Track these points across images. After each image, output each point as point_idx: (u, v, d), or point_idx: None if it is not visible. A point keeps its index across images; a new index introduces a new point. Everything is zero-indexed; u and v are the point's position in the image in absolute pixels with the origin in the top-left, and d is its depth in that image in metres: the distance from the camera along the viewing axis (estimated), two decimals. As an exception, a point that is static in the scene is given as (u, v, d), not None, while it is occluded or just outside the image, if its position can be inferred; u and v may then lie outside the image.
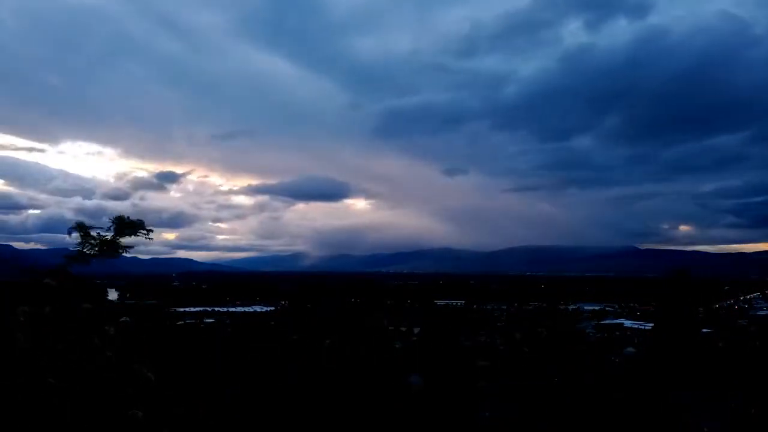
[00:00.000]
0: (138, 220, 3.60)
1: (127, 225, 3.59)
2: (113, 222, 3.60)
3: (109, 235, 3.62)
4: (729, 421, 25.07)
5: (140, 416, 3.51)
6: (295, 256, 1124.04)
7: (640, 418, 25.29)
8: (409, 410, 25.84)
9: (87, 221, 3.51)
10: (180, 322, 68.59)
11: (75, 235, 3.59)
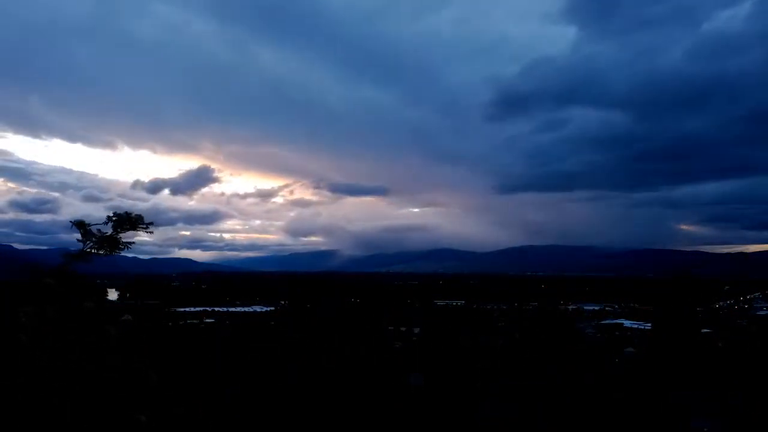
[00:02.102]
0: (137, 215, 3.59)
1: (126, 221, 3.57)
2: (111, 218, 3.59)
3: (108, 232, 3.60)
4: (729, 421, 25.04)
5: (143, 420, 3.49)
6: (296, 257, 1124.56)
7: (640, 418, 25.27)
8: (409, 410, 25.82)
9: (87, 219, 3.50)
10: (181, 322, 68.60)
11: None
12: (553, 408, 26.54)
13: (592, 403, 26.90)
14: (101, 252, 3.59)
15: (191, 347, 33.62)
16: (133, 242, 3.63)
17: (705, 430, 25.14)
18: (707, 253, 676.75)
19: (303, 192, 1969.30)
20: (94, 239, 3.53)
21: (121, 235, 3.55)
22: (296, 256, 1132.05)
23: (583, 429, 24.63)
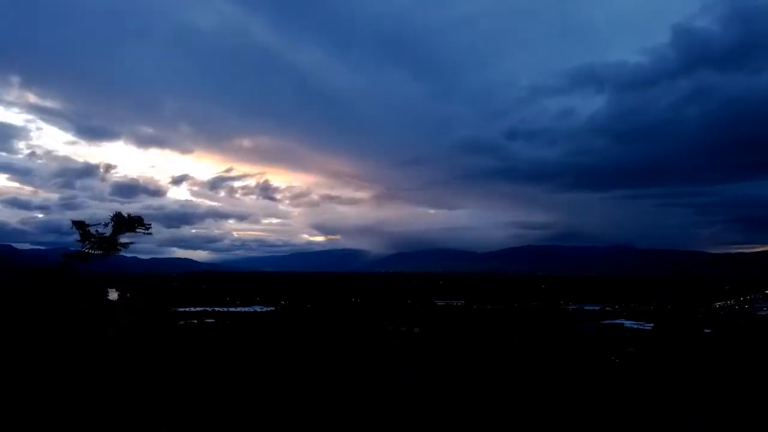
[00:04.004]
0: (137, 216, 3.65)
1: (126, 222, 3.64)
2: (111, 219, 3.64)
3: (108, 233, 3.66)
4: (729, 422, 25.06)
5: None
6: (300, 256, 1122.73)
7: (640, 419, 25.30)
8: (409, 410, 25.84)
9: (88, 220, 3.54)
10: (181, 322, 68.56)
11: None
12: (554, 408, 26.58)
13: (593, 403, 26.94)
14: (99, 253, 3.65)
15: (191, 347, 33.65)
16: (132, 243, 3.68)
17: (705, 430, 25.18)
18: (707, 253, 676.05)
19: (322, 191, 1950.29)
20: (93, 239, 3.59)
21: (120, 236, 3.61)
22: (300, 256, 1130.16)
23: (584, 429, 24.67)
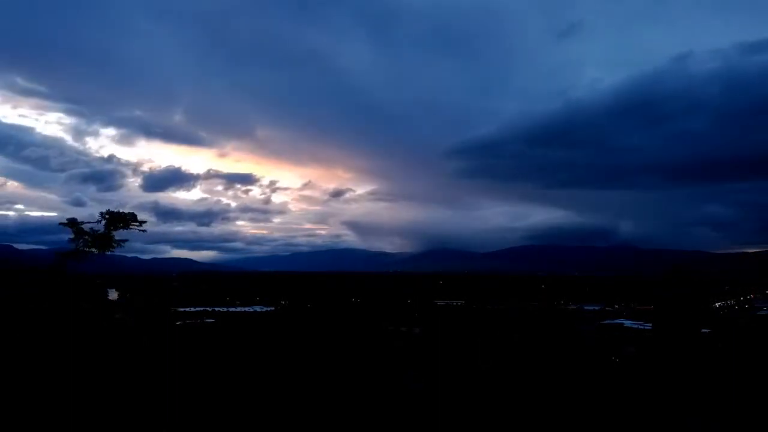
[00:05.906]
0: (129, 213, 3.62)
1: (119, 219, 3.60)
2: (103, 216, 3.61)
3: (101, 230, 3.63)
4: (729, 422, 25.04)
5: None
6: (301, 256, 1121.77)
7: (640, 419, 25.28)
8: (409, 410, 25.81)
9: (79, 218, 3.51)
10: (180, 322, 68.57)
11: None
12: (554, 408, 26.56)
13: (593, 403, 26.92)
14: (94, 250, 3.61)
15: (191, 347, 33.65)
16: (127, 240, 3.65)
17: (705, 430, 25.15)
18: (707, 253, 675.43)
19: (327, 188, 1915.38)
20: (86, 237, 3.56)
21: (113, 233, 3.58)
22: (302, 255, 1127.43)
23: (584, 429, 24.65)
